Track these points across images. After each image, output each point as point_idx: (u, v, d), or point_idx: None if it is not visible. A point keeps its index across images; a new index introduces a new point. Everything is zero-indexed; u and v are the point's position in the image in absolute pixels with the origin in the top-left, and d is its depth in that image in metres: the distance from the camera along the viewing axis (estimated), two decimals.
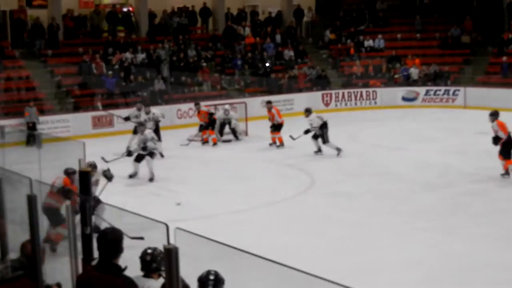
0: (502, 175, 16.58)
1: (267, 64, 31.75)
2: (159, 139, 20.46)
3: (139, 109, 21.84)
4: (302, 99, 29.34)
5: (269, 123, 22.22)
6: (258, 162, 19.58)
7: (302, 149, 21.01)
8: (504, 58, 30.99)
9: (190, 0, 34.22)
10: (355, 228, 13.06)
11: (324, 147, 20.09)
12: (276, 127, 22.16)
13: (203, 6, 33.78)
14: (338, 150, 19.84)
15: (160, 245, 6.38)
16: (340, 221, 13.50)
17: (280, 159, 19.55)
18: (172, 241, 5.13)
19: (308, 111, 20.60)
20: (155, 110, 22.01)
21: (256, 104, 27.29)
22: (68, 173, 12.22)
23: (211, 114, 22.99)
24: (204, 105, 24.05)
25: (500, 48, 32.68)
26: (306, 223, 13.47)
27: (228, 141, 23.38)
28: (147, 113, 21.14)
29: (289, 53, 33.16)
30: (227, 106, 24.22)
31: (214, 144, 22.70)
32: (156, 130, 20.55)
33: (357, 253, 11.69)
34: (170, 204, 15.24)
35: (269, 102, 23.07)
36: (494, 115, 17.04)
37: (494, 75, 31.91)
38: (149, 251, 7.03)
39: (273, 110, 22.37)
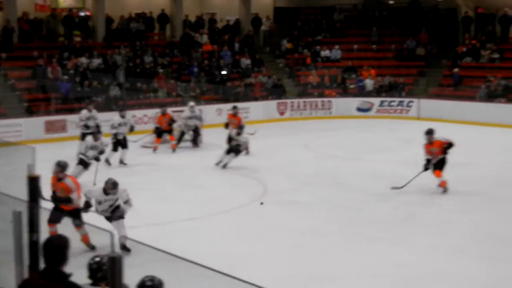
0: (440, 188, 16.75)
1: (224, 72, 31.75)
2: (126, 146, 20.64)
3: (90, 111, 21.76)
4: (258, 108, 29.47)
5: (227, 130, 22.00)
6: (213, 170, 19.53)
7: (256, 158, 21.08)
8: (456, 70, 31.34)
9: (148, 6, 34.11)
10: (308, 237, 13.10)
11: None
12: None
13: (161, 12, 33.69)
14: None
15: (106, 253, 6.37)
16: (293, 230, 13.51)
17: (234, 168, 19.53)
18: (117, 249, 5.12)
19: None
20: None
21: (211, 111, 27.31)
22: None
23: (172, 121, 22.87)
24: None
25: (454, 61, 33.10)
26: (259, 231, 13.48)
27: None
28: (123, 117, 21.01)
29: (246, 62, 33.19)
30: (192, 103, 24.03)
31: (173, 150, 22.64)
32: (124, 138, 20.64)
33: (309, 262, 11.72)
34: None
35: (235, 107, 23.16)
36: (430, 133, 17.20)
37: (448, 87, 32.28)
38: (96, 259, 6.99)
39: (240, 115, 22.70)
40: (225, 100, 29.92)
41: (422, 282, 10.83)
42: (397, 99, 31.51)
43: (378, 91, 32.31)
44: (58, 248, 5.60)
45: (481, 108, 29.19)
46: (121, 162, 20.42)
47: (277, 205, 15.53)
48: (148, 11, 33.80)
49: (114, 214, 11.95)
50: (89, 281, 6.87)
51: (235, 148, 19.67)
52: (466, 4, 35.18)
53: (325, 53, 35.09)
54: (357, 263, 11.66)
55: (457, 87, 31.22)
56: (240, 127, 20.36)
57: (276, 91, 31.96)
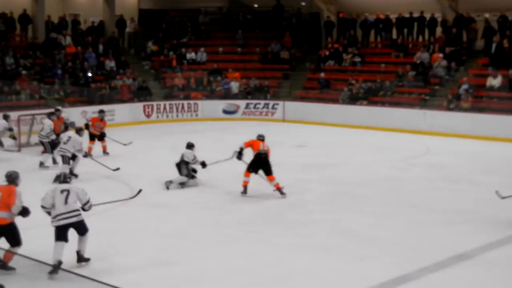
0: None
1: (89, 74, 31.28)
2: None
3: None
4: (123, 110, 29.19)
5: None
6: (76, 173, 19.14)
7: (122, 161, 20.84)
8: (322, 74, 31.99)
9: (8, 6, 33.18)
10: (175, 239, 13.04)
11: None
12: (102, 136, 22.14)
13: (22, 13, 32.84)
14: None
15: None
16: (159, 233, 13.43)
17: (98, 171, 19.21)
18: None
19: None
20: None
21: (76, 114, 26.81)
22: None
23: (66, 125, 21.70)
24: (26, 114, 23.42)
25: (318, 64, 33.79)
26: (124, 235, 13.31)
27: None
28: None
29: (110, 64, 32.79)
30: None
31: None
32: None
33: (177, 263, 11.67)
34: None
35: (102, 111, 22.80)
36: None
37: (312, 90, 32.88)
38: None
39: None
40: (90, 102, 29.49)
41: (286, 281, 10.94)
42: (263, 102, 31.87)
43: (243, 94, 32.55)
44: None
45: (343, 110, 29.87)
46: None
47: (142, 208, 15.37)
48: (9, 11, 32.87)
49: None
50: None
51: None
52: (328, 8, 35.95)
53: (190, 55, 35.13)
54: (225, 263, 11.68)
55: (322, 91, 31.81)
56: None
57: (142, 94, 31.72)
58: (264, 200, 16.28)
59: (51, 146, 20.62)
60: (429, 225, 14.21)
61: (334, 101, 30.92)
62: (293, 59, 35.37)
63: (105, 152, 22.34)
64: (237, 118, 31.47)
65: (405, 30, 33.45)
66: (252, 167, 16.70)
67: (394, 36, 33.86)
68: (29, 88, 29.34)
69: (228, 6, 39.94)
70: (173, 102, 31.79)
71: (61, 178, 11.92)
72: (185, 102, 31.89)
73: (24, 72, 29.74)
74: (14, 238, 11.07)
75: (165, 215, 14.92)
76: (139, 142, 23.95)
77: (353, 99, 30.43)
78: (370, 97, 30.31)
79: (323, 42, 36.07)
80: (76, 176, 18.48)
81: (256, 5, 40.58)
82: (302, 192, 17.06)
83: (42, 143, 21.05)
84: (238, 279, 11.02)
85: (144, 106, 30.85)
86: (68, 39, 33.62)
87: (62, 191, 11.51)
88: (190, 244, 12.79)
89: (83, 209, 11.66)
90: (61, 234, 11.28)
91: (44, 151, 21.01)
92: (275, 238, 13.17)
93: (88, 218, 11.79)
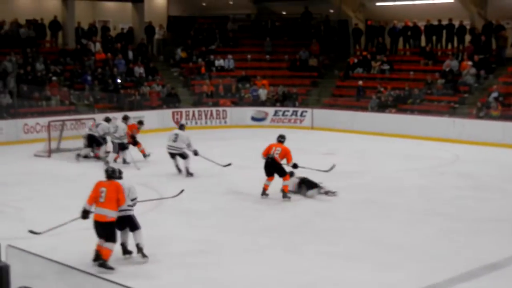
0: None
1: (118, 81, 31.45)
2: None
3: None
4: (152, 117, 29.30)
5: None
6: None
7: (152, 167, 20.99)
8: (360, 82, 31.85)
9: (39, 12, 33.48)
10: (203, 245, 13.08)
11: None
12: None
13: (53, 19, 33.11)
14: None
15: None
16: (189, 239, 13.47)
17: (129, 177, 19.29)
18: (4, 258, 4.97)
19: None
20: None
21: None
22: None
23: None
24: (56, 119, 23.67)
25: (346, 72, 33.75)
26: (153, 240, 13.36)
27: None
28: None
29: (139, 70, 32.97)
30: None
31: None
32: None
33: (205, 270, 11.71)
34: (13, 221, 14.82)
35: (127, 117, 23.12)
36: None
37: (340, 97, 32.85)
38: None
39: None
40: (120, 108, 29.63)
41: None
42: (291, 109, 31.86)
43: (272, 101, 32.58)
44: None
45: (372, 118, 29.80)
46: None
47: (172, 214, 15.46)
48: (39, 17, 33.16)
49: None
50: None
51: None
52: (356, 16, 35.89)
53: (219, 62, 35.21)
54: (252, 270, 11.71)
55: (359, 98, 31.63)
56: None
57: (171, 100, 31.85)
58: (292, 207, 16.31)
59: (121, 148, 21.74)
60: (458, 234, 14.14)
61: (363, 108, 30.85)
62: (322, 66, 35.34)
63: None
64: (266, 125, 31.47)
65: (434, 38, 33.28)
66: (266, 172, 17.10)
67: (423, 43, 33.71)
68: (59, 94, 29.56)
69: (257, 13, 39.98)
70: (202, 109, 31.90)
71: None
72: (214, 109, 31.98)
73: (54, 78, 29.99)
74: (112, 235, 11.60)
75: (193, 222, 14.95)
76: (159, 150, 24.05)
77: (381, 107, 30.35)
78: (399, 104, 30.21)
79: (351, 50, 36.01)
80: (191, 174, 19.87)
81: (284, 12, 40.62)
82: (330, 200, 17.04)
83: (112, 142, 21.87)
84: (265, 286, 11.03)
85: (173, 113, 30.95)
86: (98, 46, 33.85)
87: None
88: (217, 251, 12.82)
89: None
90: (119, 225, 11.98)
91: (112, 152, 21.87)
92: (303, 245, 13.17)
93: None
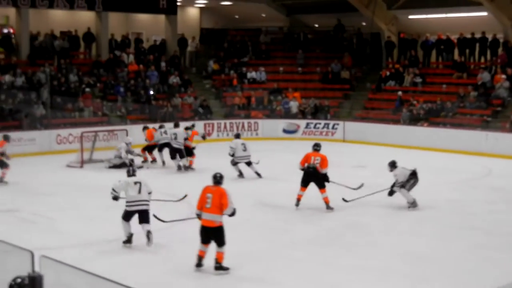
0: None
1: (151, 92, 31.61)
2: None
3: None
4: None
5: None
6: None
7: (181, 178, 21.07)
8: (399, 93, 31.67)
9: (73, 24, 33.79)
10: (233, 258, 13.05)
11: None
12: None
13: (87, 31, 33.39)
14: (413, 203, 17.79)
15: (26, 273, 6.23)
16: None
17: (159, 188, 19.37)
18: (37, 269, 5.00)
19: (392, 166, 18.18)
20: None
21: (138, 131, 27.10)
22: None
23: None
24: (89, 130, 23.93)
25: (378, 84, 33.66)
26: (181, 253, 13.35)
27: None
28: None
29: (174, 79, 33.15)
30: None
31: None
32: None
33: (237, 282, 11.70)
34: (45, 231, 14.93)
35: (162, 126, 24.40)
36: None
37: (372, 110, 32.76)
38: (18, 280, 6.83)
39: None
40: (152, 119, 29.77)
41: None
42: (323, 121, 31.82)
43: (303, 114, 32.56)
44: None
45: (404, 131, 29.67)
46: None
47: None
48: (73, 29, 33.45)
49: None
50: None
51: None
52: (389, 28, 35.79)
53: (251, 74, 35.29)
54: (283, 284, 11.68)
55: (397, 111, 31.47)
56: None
57: (203, 112, 31.95)
58: (323, 221, 16.27)
59: (187, 153, 23.22)
60: (490, 249, 14.02)
61: (395, 121, 30.73)
62: (354, 79, 35.29)
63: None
64: (297, 137, 31.45)
65: (467, 51, 33.11)
66: (303, 181, 17.18)
67: (456, 56, 33.54)
68: (92, 105, 29.79)
69: (289, 26, 40.07)
70: (234, 121, 31.97)
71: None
72: (246, 121, 32.04)
73: (87, 89, 30.21)
74: (222, 239, 12.13)
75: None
76: (199, 161, 24.12)
77: (414, 120, 30.22)
78: (431, 118, 30.06)
79: (383, 62, 35.93)
80: (260, 176, 21.29)
81: (317, 25, 40.67)
82: (362, 213, 16.99)
83: (177, 149, 22.84)
84: None
85: (204, 125, 31.04)
86: (131, 57, 34.06)
87: (135, 183, 13.69)
88: (248, 264, 12.81)
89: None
90: (129, 217, 13.56)
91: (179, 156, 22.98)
92: (334, 259, 13.13)
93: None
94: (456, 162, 25.67)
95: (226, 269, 12.09)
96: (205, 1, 38.42)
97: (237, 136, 22.55)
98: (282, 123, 32.18)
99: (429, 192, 19.88)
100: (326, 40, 37.75)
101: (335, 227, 15.71)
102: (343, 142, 30.73)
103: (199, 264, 12.17)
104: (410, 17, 35.76)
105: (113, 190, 13.94)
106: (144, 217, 13.54)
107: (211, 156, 25.84)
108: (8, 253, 9.53)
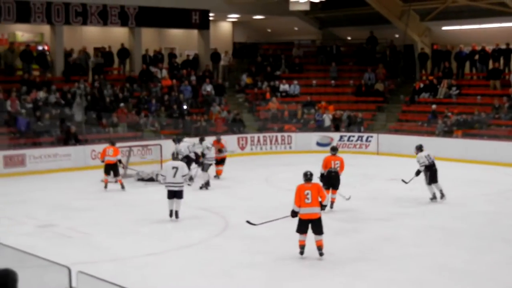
0: None
1: (185, 107, 31.77)
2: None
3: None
4: None
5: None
6: None
7: (217, 193, 21.14)
8: (434, 106, 31.53)
9: (106, 40, 34.09)
10: (267, 271, 13.08)
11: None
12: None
13: (121, 47, 33.66)
14: (442, 195, 19.84)
15: None
16: (254, 265, 13.49)
17: (194, 202, 19.48)
18: (74, 284, 5.06)
19: (418, 149, 20.62)
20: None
21: (172, 146, 27.26)
22: None
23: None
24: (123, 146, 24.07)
25: (412, 96, 33.52)
26: (218, 266, 13.43)
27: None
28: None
29: (207, 87, 33.35)
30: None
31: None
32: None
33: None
34: (81, 246, 15.06)
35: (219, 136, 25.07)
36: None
37: (406, 122, 32.63)
38: None
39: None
40: (186, 134, 29.87)
41: None
42: (356, 134, 31.75)
43: (337, 126, 32.51)
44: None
45: (439, 143, 29.46)
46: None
47: (237, 240, 15.52)
48: (107, 45, 33.77)
49: None
50: None
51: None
52: (422, 40, 35.67)
53: (284, 87, 35.32)
54: None
55: (430, 123, 31.34)
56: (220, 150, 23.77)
57: (236, 126, 32.04)
58: (357, 234, 16.22)
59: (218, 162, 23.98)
60: None
61: (429, 133, 30.58)
62: (387, 91, 35.18)
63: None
64: None
65: (502, 61, 32.88)
66: (326, 184, 18.06)
67: (490, 67, 33.33)
68: (126, 120, 29.98)
69: (322, 39, 40.10)
70: (267, 134, 32.02)
71: None
72: (279, 135, 32.07)
73: (121, 104, 30.40)
74: (321, 228, 13.82)
75: (257, 247, 14.96)
76: (233, 174, 24.22)
77: (448, 132, 30.05)
78: (466, 129, 29.87)
79: (417, 74, 35.80)
80: None
81: (349, 38, 40.66)
82: (397, 226, 16.92)
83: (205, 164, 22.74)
84: None
85: (238, 139, 31.12)
86: (164, 72, 34.25)
87: (173, 168, 17.19)
88: (281, 276, 12.82)
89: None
90: (169, 195, 17.32)
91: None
92: (369, 272, 13.08)
93: (183, 250, 11.96)
94: (490, 173, 25.49)
95: (323, 254, 13.82)
96: (238, 16, 38.53)
97: (203, 139, 23.28)
98: (315, 136, 32.14)
99: (463, 204, 19.80)
100: (359, 53, 37.71)
101: (368, 240, 15.64)
102: (377, 155, 30.64)
103: (302, 252, 13.82)
104: (444, 28, 35.60)
105: (161, 175, 17.87)
106: (177, 195, 17.25)
107: (244, 169, 25.94)
108: (45, 269, 9.65)
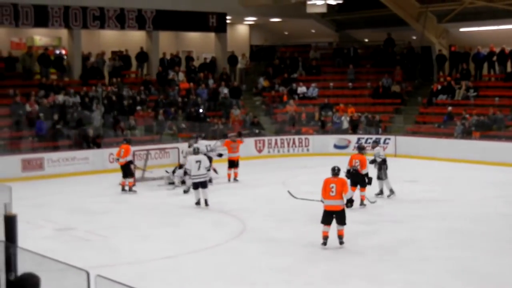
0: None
1: (201, 110, 31.79)
2: None
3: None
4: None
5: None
6: (190, 208, 19.48)
7: (235, 196, 21.14)
8: (449, 108, 31.41)
9: (124, 44, 34.19)
10: (286, 274, 13.06)
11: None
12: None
13: (140, 51, 33.74)
14: (391, 192, 20.80)
15: None
16: (271, 268, 13.47)
17: (211, 205, 19.48)
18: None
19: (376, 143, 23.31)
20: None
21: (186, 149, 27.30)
22: None
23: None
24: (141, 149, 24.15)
25: (429, 98, 33.40)
26: (237, 269, 13.43)
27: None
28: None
29: (224, 90, 33.38)
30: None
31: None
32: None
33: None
34: (99, 249, 15.09)
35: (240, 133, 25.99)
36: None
37: (424, 124, 32.51)
38: None
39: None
40: (203, 137, 29.84)
41: None
42: (374, 136, 31.54)
43: (354, 129, 32.43)
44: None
45: (456, 145, 29.36)
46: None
47: (255, 243, 15.51)
48: (124, 49, 33.86)
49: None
50: None
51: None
52: (439, 42, 35.54)
53: (301, 89, 35.27)
54: None
55: (446, 124, 31.22)
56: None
57: (253, 129, 32.02)
58: (375, 236, 16.16)
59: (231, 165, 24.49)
60: None
61: (446, 135, 30.45)
62: (405, 93, 35.07)
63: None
64: (349, 153, 31.08)
65: None
66: (352, 182, 18.65)
67: (509, 69, 33.16)
68: (144, 123, 30.04)
69: (339, 41, 40.05)
70: (284, 137, 31.97)
71: None
72: (296, 137, 32.02)
73: (139, 108, 30.47)
74: (344, 219, 14.82)
75: (276, 251, 14.95)
76: (250, 177, 24.22)
77: (466, 133, 29.92)
78: (484, 131, 29.72)
79: (435, 76, 35.68)
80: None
81: (367, 40, 40.59)
82: (415, 228, 16.86)
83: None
84: None
85: (255, 141, 31.08)
86: (182, 75, 34.30)
87: (196, 161, 19.19)
88: (299, 279, 12.79)
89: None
90: (195, 186, 19.30)
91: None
92: (387, 275, 13.04)
93: (201, 253, 11.94)
94: (509, 175, 25.32)
95: (343, 242, 14.77)
96: (254, 18, 38.53)
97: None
98: (333, 139, 32.06)
99: (482, 205, 19.71)
100: (376, 55, 37.65)
101: (386, 242, 15.58)
102: (395, 157, 30.46)
103: (325, 243, 14.69)
104: (461, 30, 35.46)
105: (187, 168, 19.92)
106: (203, 185, 19.21)
107: (261, 171, 25.96)
108: (64, 272, 9.68)
